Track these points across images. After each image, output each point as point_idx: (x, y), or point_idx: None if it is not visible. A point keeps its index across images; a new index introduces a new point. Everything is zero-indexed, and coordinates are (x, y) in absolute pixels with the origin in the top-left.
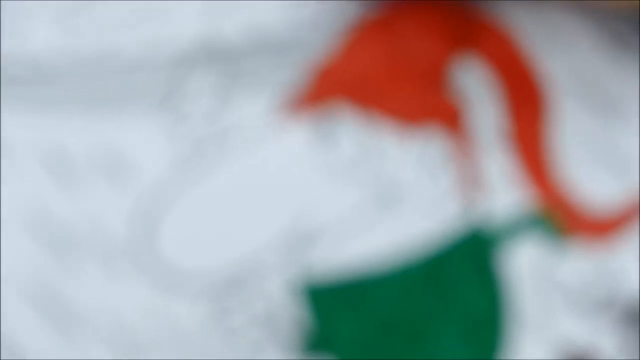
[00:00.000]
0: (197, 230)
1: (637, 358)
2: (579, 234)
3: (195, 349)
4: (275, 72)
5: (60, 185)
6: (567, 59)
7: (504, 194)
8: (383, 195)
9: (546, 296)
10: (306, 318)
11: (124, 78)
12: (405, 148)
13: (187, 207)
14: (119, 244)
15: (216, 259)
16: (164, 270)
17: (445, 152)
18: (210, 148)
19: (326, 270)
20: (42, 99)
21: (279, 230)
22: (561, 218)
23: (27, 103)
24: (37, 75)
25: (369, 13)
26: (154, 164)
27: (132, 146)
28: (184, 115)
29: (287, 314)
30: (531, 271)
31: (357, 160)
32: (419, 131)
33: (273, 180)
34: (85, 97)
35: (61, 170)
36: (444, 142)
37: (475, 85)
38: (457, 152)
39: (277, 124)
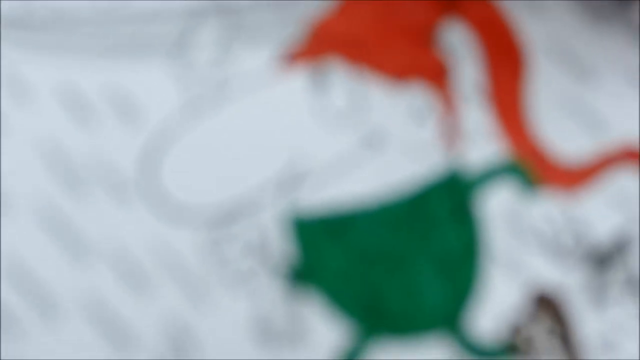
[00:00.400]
0: (198, 168)
1: (599, 296)
2: (549, 183)
3: (193, 274)
4: (276, 28)
5: (75, 121)
6: (545, 25)
7: (482, 144)
8: (370, 140)
9: (518, 238)
10: (293, 249)
11: (137, 27)
12: (393, 99)
13: (190, 146)
14: (127, 178)
15: (215, 193)
16: (167, 202)
17: (430, 104)
18: (213, 93)
19: (314, 206)
20: (61, 44)
21: (274, 169)
22: (534, 168)
23: (47, 47)
24: (57, 21)
25: None
26: (162, 106)
27: (142, 89)
28: (191, 62)
29: (278, 245)
30: (504, 215)
31: (347, 109)
32: (406, 86)
33: (269, 124)
34: (101, 43)
35: (76, 108)
36: (429, 96)
37: (459, 46)
38: (441, 105)
39: (275, 74)
